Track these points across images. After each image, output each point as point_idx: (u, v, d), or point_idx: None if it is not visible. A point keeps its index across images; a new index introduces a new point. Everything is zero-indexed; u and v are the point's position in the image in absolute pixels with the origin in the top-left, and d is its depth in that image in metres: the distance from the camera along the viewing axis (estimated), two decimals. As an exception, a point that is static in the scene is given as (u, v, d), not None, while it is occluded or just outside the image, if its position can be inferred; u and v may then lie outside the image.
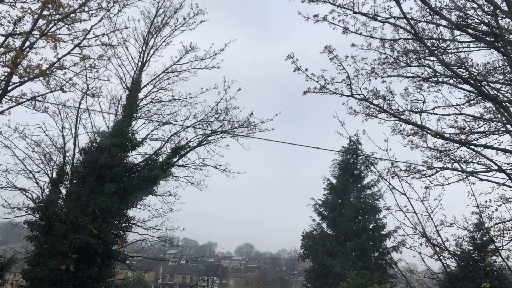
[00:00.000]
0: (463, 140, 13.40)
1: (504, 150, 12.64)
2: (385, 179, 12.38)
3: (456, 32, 12.15)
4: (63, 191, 18.97)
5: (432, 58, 13.11)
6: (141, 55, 21.37)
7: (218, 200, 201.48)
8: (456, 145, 14.09)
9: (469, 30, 11.38)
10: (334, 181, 26.44)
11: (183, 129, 20.85)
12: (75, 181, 18.74)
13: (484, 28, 11.95)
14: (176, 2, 21.16)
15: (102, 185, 17.99)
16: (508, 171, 12.45)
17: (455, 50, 13.45)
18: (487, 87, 12.59)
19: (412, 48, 13.23)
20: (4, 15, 13.21)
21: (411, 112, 13.61)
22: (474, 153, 14.01)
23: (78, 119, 19.68)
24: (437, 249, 8.76)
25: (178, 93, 21.57)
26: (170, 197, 20.97)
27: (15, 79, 14.11)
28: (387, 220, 24.27)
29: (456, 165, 14.29)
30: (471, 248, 13.84)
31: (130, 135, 20.22)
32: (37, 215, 17.43)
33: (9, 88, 14.24)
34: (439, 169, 14.29)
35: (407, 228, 9.06)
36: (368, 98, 12.69)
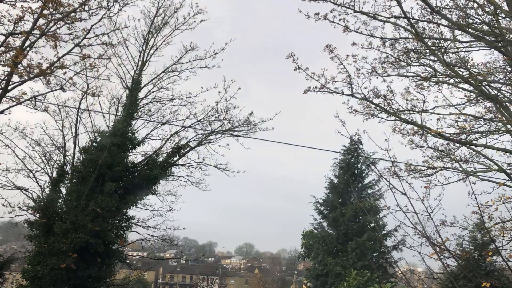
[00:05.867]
0: (463, 140, 13.39)
1: (505, 150, 12.63)
2: (386, 179, 12.32)
3: (457, 32, 12.14)
4: (63, 190, 19.01)
5: (432, 57, 13.09)
6: (141, 54, 21.37)
7: (218, 200, 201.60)
8: (456, 144, 14.07)
9: (470, 30, 11.36)
10: (335, 180, 26.48)
11: (183, 128, 20.88)
12: (75, 180, 18.75)
13: (485, 28, 11.94)
14: (177, 1, 21.15)
15: (102, 185, 18.00)
16: (508, 171, 12.44)
17: (456, 50, 13.44)
18: (487, 87, 12.58)
19: (413, 48, 13.21)
20: (4, 14, 13.21)
21: (412, 112, 13.60)
22: (474, 153, 14.01)
23: (78, 118, 19.74)
24: (437, 248, 8.73)
25: (178, 92, 21.59)
26: (170, 196, 21.06)
27: (15, 78, 14.09)
28: (387, 219, 24.31)
29: (456, 165, 14.28)
30: (471, 247, 13.85)
31: (130, 134, 20.23)
32: (37, 215, 17.44)
33: (9, 87, 14.21)
34: (439, 169, 14.28)
35: (407, 228, 9.04)
36: (368, 97, 12.68)
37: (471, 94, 14.00)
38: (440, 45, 12.49)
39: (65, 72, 15.46)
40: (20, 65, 13.51)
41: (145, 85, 21.29)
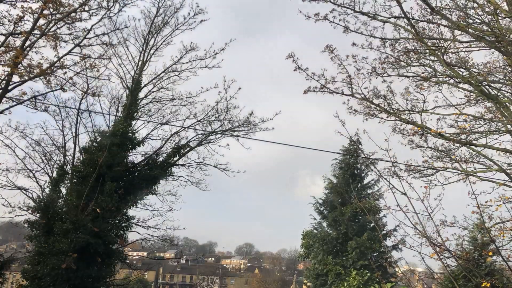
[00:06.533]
0: (463, 140, 13.38)
1: (505, 150, 12.63)
2: (386, 179, 12.34)
3: (457, 32, 12.12)
4: (63, 190, 19.01)
5: (432, 57, 13.08)
6: (142, 54, 21.38)
7: (218, 199, 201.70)
8: (456, 144, 14.07)
9: (470, 30, 11.35)
10: (334, 180, 26.49)
11: (183, 128, 20.90)
12: (75, 180, 18.76)
13: (485, 28, 11.93)
14: (177, 1, 21.15)
15: (102, 185, 18.01)
16: (508, 171, 12.43)
17: (456, 50, 13.43)
18: (487, 87, 12.57)
19: (413, 48, 13.19)
20: (5, 14, 13.22)
21: (412, 112, 13.58)
22: (474, 153, 14.00)
23: (79, 118, 19.74)
24: (437, 248, 8.74)
25: (179, 92, 21.61)
26: (170, 196, 21.10)
27: (15, 78, 14.11)
28: (387, 219, 24.33)
29: (456, 165, 14.27)
30: (471, 247, 13.85)
31: (130, 134, 20.24)
32: (38, 215, 17.45)
33: (10, 87, 14.23)
34: (439, 169, 14.28)
35: (407, 227, 9.03)
36: (368, 97, 12.66)
37: (471, 94, 13.99)
38: (440, 45, 12.47)
39: (65, 72, 15.50)
40: (20, 65, 13.52)
41: (145, 85, 21.31)
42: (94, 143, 19.40)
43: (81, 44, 15.53)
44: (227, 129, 20.80)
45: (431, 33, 12.67)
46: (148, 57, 21.47)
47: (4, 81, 13.94)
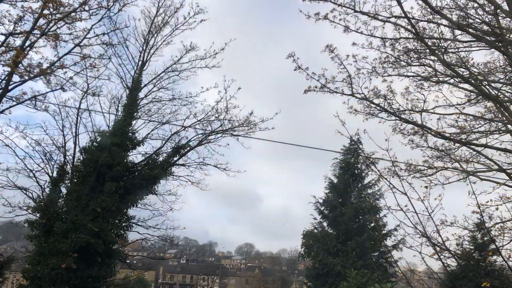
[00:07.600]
0: (463, 140, 13.38)
1: (505, 150, 12.62)
2: (386, 179, 12.32)
3: (457, 32, 12.11)
4: (64, 190, 19.04)
5: (433, 57, 13.06)
6: (142, 54, 21.41)
7: (218, 199, 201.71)
8: (456, 144, 14.06)
9: (470, 30, 11.34)
10: (335, 180, 26.49)
11: (183, 128, 20.91)
12: (75, 180, 18.78)
13: (485, 27, 11.93)
14: (177, 1, 21.18)
15: (103, 185, 18.02)
16: (508, 171, 12.42)
17: (456, 50, 13.41)
18: (487, 86, 12.57)
19: (413, 47, 13.18)
20: (5, 14, 13.22)
21: (412, 112, 13.57)
22: (474, 152, 13.98)
23: (79, 118, 19.79)
24: (438, 248, 8.75)
25: (179, 92, 21.66)
26: (170, 196, 21.10)
27: (15, 78, 14.12)
28: (387, 219, 24.31)
29: (456, 164, 14.25)
30: (471, 247, 13.82)
31: (130, 134, 20.25)
32: (38, 214, 17.47)
33: (10, 87, 14.23)
34: (439, 169, 14.26)
35: (408, 227, 9.02)
36: (368, 97, 12.65)
37: (471, 94, 13.98)
38: (440, 45, 12.46)
39: (65, 72, 15.51)
40: (20, 65, 13.52)
41: (145, 85, 21.34)
42: (94, 143, 19.41)
43: (81, 44, 15.54)
44: (227, 129, 20.80)
45: (431, 33, 12.65)
46: (148, 57, 21.52)
47: (4, 81, 13.94)
